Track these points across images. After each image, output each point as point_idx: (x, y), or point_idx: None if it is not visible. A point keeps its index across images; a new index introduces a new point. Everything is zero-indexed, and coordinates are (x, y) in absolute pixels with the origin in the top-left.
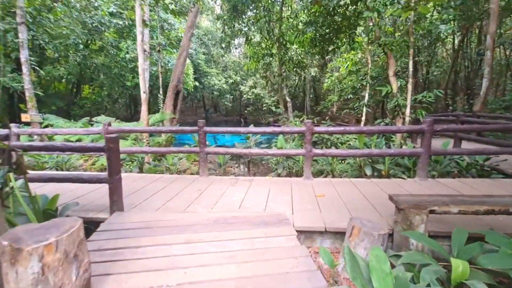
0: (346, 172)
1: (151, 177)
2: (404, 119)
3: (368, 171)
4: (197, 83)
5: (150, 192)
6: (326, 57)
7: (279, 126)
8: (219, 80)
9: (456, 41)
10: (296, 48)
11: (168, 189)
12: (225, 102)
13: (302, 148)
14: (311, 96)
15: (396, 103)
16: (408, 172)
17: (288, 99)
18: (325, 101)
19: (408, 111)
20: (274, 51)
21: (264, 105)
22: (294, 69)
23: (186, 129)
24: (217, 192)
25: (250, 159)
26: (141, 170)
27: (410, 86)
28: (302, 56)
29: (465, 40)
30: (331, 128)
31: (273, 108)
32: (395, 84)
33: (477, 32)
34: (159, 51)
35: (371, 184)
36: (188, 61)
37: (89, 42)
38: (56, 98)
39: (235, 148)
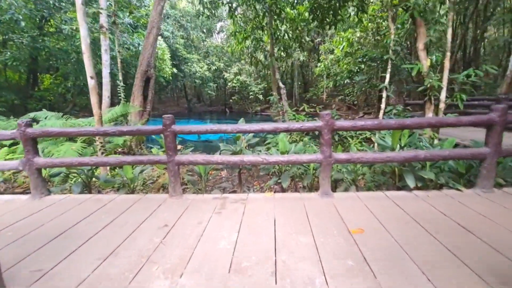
0: (363, 175)
1: (97, 201)
2: (437, 105)
3: (411, 181)
4: (176, 70)
5: (82, 237)
6: (316, 40)
7: (268, 116)
8: (201, 67)
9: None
10: (290, 25)
11: (115, 226)
12: (209, 91)
13: (311, 150)
14: (299, 83)
15: (429, 84)
16: (460, 180)
17: (281, 84)
18: (316, 88)
19: (444, 95)
20: (265, 23)
21: (251, 93)
22: (289, 48)
23: (144, 129)
24: (193, 231)
25: (242, 166)
26: (88, 189)
27: (447, 63)
28: (300, 29)
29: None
30: (360, 122)
31: (260, 97)
32: (425, 60)
33: (473, 12)
34: (114, 22)
35: (417, 200)
36: (164, 44)
37: (43, 21)
38: (9, 90)
39: (220, 156)
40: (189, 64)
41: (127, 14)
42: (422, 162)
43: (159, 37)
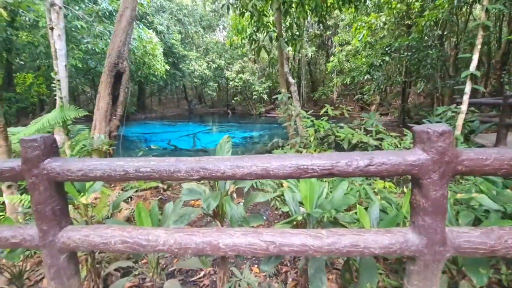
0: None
1: None
2: None
3: None
4: (168, 67)
5: None
6: (326, 34)
7: (273, 117)
8: (200, 65)
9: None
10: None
11: None
12: (209, 91)
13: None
14: (306, 81)
15: None
16: None
17: (291, 79)
18: (325, 86)
19: None
20: None
21: (254, 93)
22: (302, 26)
23: None
24: None
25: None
26: None
27: None
28: None
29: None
30: None
31: (265, 97)
32: None
33: None
34: None
35: None
36: (155, 39)
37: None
38: None
39: (165, 231)
40: (187, 61)
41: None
42: None
43: (150, 31)
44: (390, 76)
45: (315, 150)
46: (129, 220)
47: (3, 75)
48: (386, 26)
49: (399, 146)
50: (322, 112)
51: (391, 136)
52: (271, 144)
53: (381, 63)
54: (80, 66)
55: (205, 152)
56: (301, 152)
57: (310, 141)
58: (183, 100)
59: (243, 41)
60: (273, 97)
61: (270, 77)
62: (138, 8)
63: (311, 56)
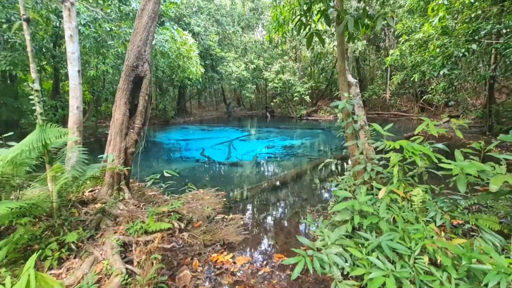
0: None
1: None
2: None
3: None
4: (203, 70)
5: None
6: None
7: (316, 121)
8: (238, 67)
9: None
10: None
11: None
12: (247, 94)
13: None
14: None
15: None
16: None
17: (352, 78)
18: (375, 85)
19: None
20: None
21: (295, 94)
22: None
23: None
24: None
25: None
26: None
27: None
28: None
29: None
30: None
31: (307, 98)
32: None
33: None
34: None
35: None
36: (191, 40)
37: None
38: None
39: None
40: (225, 64)
41: None
42: None
43: (186, 32)
44: (473, 69)
45: (398, 188)
46: None
47: (51, 84)
48: (477, 3)
49: None
50: (417, 130)
51: None
52: (323, 165)
53: (466, 53)
54: (111, 72)
55: (241, 167)
56: (374, 188)
57: (391, 173)
58: (221, 103)
59: (285, 35)
60: (331, 104)
61: (312, 76)
62: (175, 10)
63: (360, 51)
